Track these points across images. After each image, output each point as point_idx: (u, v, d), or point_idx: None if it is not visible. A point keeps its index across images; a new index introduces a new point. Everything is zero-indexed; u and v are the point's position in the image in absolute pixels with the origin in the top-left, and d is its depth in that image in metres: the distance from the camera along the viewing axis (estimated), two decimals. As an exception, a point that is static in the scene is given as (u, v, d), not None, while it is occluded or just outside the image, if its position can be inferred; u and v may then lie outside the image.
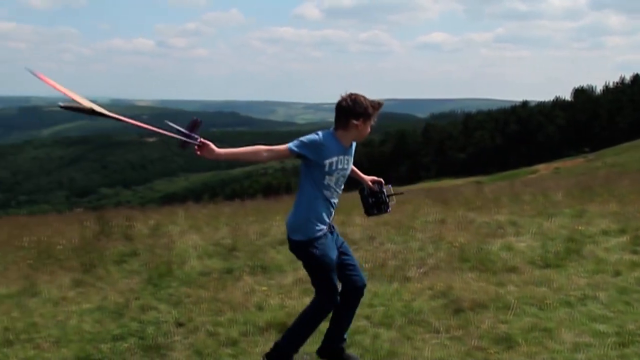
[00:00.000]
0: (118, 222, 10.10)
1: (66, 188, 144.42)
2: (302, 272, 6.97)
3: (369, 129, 4.06)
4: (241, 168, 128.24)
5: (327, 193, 4.05)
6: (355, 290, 4.36)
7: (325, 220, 4.10)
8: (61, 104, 3.43)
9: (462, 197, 14.15)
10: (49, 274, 7.38)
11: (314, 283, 4.26)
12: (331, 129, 4.04)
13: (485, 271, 6.90)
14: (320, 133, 3.96)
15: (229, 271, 7.25)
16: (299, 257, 4.20)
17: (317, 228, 4.05)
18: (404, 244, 8.49)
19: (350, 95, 3.98)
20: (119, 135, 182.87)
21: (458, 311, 5.49)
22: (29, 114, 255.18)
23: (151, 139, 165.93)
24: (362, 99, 3.97)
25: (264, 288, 6.40)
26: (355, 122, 3.95)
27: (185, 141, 3.64)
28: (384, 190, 4.67)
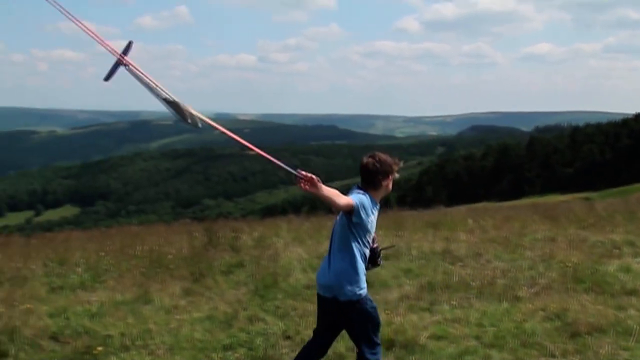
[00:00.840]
0: (225, 233, 10.34)
1: (172, 199, 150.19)
2: (408, 289, 6.90)
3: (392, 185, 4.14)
4: (340, 181, 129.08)
5: (366, 250, 4.06)
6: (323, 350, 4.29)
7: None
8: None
9: (572, 214, 13.54)
10: (161, 282, 7.64)
11: (361, 339, 4.09)
12: (360, 189, 4.02)
13: (602, 293, 6.55)
14: (365, 196, 3.94)
15: (334, 286, 7.24)
16: (348, 316, 4.04)
17: (365, 285, 4.05)
18: (512, 262, 8.21)
19: (374, 156, 4.02)
20: (222, 148, 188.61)
21: (574, 335, 5.23)
22: (139, 128, 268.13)
23: (252, 152, 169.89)
24: (385, 158, 4.04)
25: (370, 303, 6.34)
26: (384, 182, 4.02)
27: (296, 176, 3.71)
28: (377, 244, 4.33)
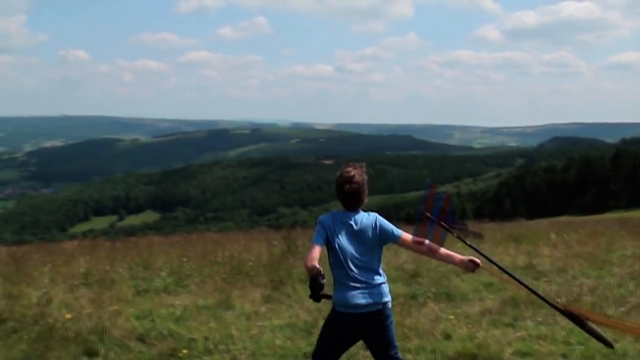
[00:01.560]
0: (303, 241, 10.42)
1: (248, 206, 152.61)
2: (490, 303, 6.75)
3: None
4: (416, 192, 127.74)
5: None
6: None
7: None
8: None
9: (663, 230, 12.95)
10: (241, 288, 7.77)
11: (394, 346, 3.98)
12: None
13: (698, 314, 6.21)
14: None
15: (413, 297, 7.19)
16: (387, 321, 3.91)
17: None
18: (599, 279, 7.92)
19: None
20: (297, 157, 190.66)
21: (671, 358, 4.98)
22: (218, 137, 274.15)
23: (327, 161, 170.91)
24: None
25: (451, 317, 6.24)
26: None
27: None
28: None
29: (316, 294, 3.71)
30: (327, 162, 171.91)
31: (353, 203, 3.90)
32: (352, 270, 3.79)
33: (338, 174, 3.93)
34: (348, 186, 3.85)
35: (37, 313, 6.66)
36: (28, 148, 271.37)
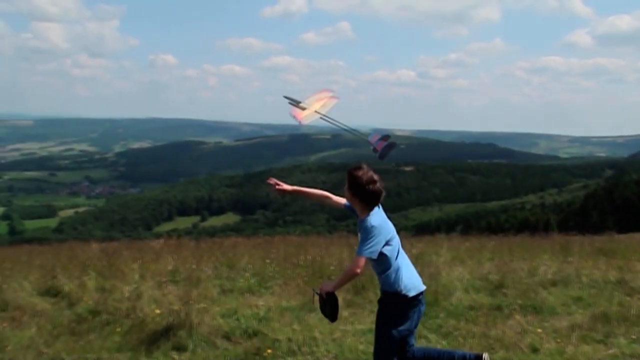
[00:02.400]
0: (385, 248, 10.37)
1: (326, 211, 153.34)
2: (579, 318, 6.53)
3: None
4: (497, 202, 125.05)
5: None
6: None
7: None
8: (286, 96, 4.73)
9: None
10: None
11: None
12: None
13: None
14: None
15: (498, 308, 7.04)
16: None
17: None
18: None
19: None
20: (377, 163, 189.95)
21: None
22: (299, 141, 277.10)
23: (407, 168, 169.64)
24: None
25: (538, 330, 6.08)
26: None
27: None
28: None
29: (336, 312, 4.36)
30: (407, 168, 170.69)
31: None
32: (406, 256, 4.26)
33: (361, 174, 4.11)
34: (379, 185, 4.10)
35: (128, 307, 6.95)
36: (118, 149, 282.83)
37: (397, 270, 4.14)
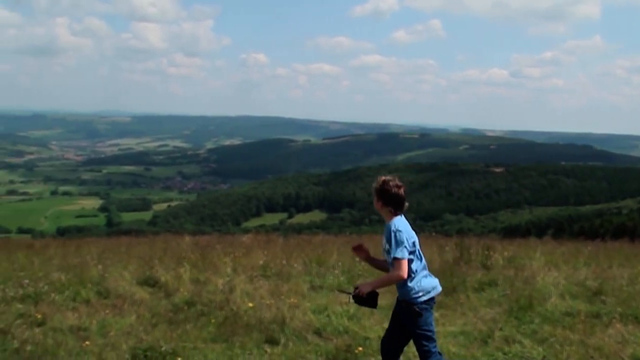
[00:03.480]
0: (476, 249, 10.20)
1: (413, 211, 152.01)
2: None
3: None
4: (591, 205, 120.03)
5: None
6: None
7: None
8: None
9: None
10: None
11: None
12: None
13: None
14: None
15: (597, 316, 6.78)
16: None
17: None
18: None
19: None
20: (466, 163, 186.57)
21: None
22: (387, 140, 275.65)
23: (497, 169, 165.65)
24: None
25: (642, 340, 5.81)
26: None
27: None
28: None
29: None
30: (497, 169, 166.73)
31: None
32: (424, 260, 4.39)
33: (389, 179, 4.41)
34: (403, 190, 4.34)
35: (222, 300, 7.15)
36: (209, 145, 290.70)
37: (417, 272, 4.29)
